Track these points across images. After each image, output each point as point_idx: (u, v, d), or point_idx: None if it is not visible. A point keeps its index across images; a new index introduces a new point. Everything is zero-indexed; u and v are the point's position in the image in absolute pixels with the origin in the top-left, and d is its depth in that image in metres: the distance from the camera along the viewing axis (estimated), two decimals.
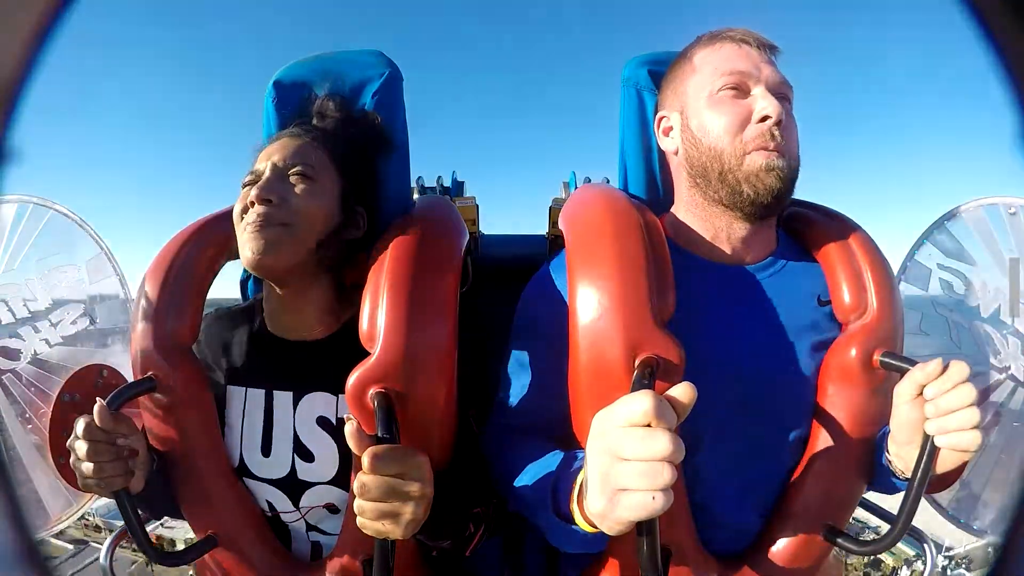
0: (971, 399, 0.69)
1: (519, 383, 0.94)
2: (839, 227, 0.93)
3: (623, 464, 0.58)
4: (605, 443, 0.60)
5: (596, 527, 0.67)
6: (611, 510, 0.59)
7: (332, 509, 0.95)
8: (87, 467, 0.81)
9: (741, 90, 0.86)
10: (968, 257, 1.18)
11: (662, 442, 0.55)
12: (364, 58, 1.15)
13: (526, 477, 0.83)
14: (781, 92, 0.86)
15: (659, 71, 1.05)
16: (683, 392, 0.59)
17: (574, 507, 0.71)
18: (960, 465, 0.75)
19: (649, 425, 0.57)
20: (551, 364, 0.86)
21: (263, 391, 0.97)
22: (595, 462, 0.61)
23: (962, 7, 0.43)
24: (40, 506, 1.18)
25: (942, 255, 1.20)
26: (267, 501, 0.97)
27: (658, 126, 0.98)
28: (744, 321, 0.88)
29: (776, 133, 0.83)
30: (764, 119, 0.84)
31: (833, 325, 0.89)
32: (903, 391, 0.76)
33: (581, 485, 0.70)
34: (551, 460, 0.82)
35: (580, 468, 0.72)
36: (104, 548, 1.12)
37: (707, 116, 0.88)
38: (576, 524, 0.72)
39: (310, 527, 0.97)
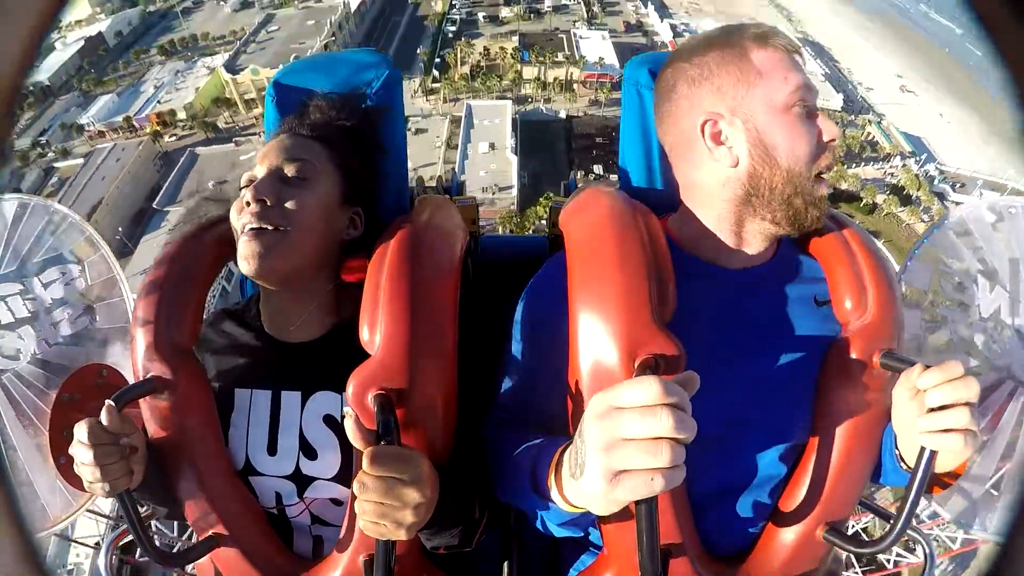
0: (964, 396, 0.69)
1: (517, 380, 0.94)
2: (838, 227, 0.93)
3: (624, 444, 0.57)
4: (606, 423, 0.59)
5: (575, 506, 0.68)
6: (611, 491, 0.58)
7: (335, 503, 0.96)
8: (94, 471, 0.80)
9: (808, 108, 0.84)
10: (968, 257, 1.18)
11: (664, 418, 0.55)
12: (364, 58, 1.15)
13: (510, 462, 0.84)
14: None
15: (659, 71, 1.04)
16: (686, 376, 0.60)
17: (551, 483, 0.71)
18: (961, 464, 0.76)
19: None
20: (550, 362, 0.86)
21: (269, 392, 0.97)
22: (594, 442, 0.60)
23: (962, 7, 0.43)
24: (40, 506, 1.17)
25: (942, 255, 1.20)
26: (276, 492, 0.97)
27: (703, 130, 0.86)
28: (746, 325, 0.88)
29: (835, 154, 0.85)
30: (832, 141, 0.84)
31: (834, 325, 0.89)
32: (900, 393, 0.76)
33: (559, 462, 0.71)
34: (533, 444, 0.82)
35: (559, 446, 0.72)
36: (103, 548, 1.13)
37: (784, 135, 0.83)
38: (554, 502, 0.72)
39: (314, 519, 0.97)
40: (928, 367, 0.73)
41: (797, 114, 0.83)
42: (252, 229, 0.88)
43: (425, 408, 0.83)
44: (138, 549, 0.93)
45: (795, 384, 0.87)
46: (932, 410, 0.70)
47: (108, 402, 0.82)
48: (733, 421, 0.85)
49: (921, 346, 1.19)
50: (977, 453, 1.10)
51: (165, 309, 0.93)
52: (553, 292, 0.87)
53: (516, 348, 0.94)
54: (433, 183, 1.55)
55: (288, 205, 0.90)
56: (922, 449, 0.72)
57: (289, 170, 0.93)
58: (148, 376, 0.91)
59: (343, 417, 0.92)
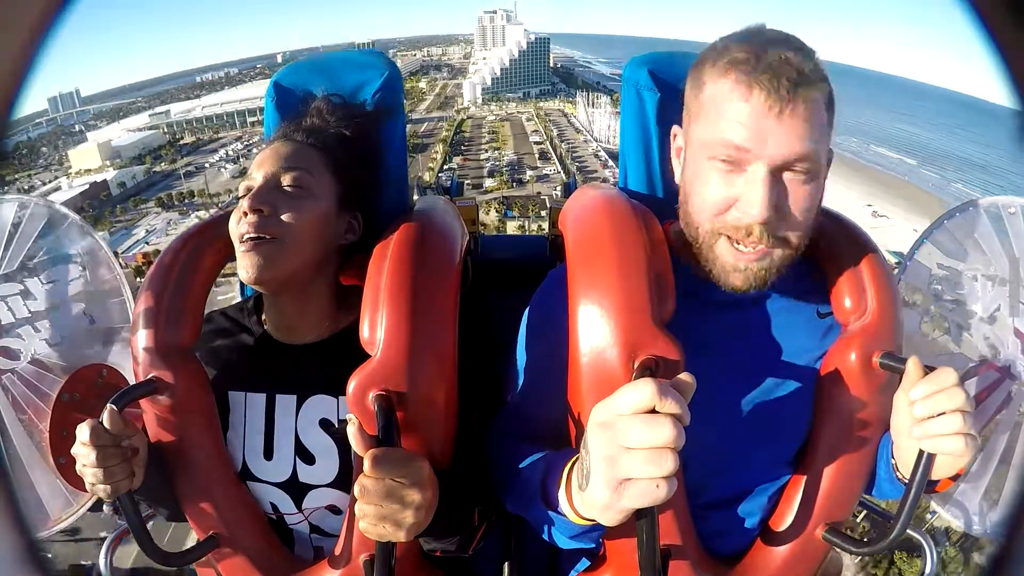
0: (955, 405, 0.69)
1: (523, 388, 0.94)
2: (838, 229, 0.93)
3: (628, 453, 0.58)
4: (608, 433, 0.60)
5: (586, 519, 0.68)
6: (616, 500, 0.59)
7: (334, 511, 0.96)
8: (96, 473, 0.80)
9: (736, 164, 0.75)
10: (968, 257, 1.17)
11: (666, 429, 0.56)
12: (364, 58, 1.15)
13: (520, 475, 0.84)
14: (791, 165, 0.73)
15: (659, 71, 1.04)
16: (682, 377, 0.61)
17: (561, 496, 0.72)
18: (959, 469, 0.76)
19: (653, 411, 0.57)
20: (555, 370, 0.86)
21: (263, 395, 0.97)
22: (598, 452, 0.61)
23: (962, 7, 0.43)
24: (40, 506, 1.17)
25: (942, 255, 1.19)
26: (271, 503, 0.97)
27: (673, 138, 0.88)
28: (747, 340, 0.88)
29: (758, 232, 0.74)
30: (746, 217, 0.75)
31: (834, 333, 0.89)
32: (901, 399, 0.76)
33: (568, 475, 0.71)
34: (543, 456, 0.82)
35: (568, 460, 0.72)
36: (104, 548, 1.12)
37: (696, 178, 0.79)
38: (564, 515, 0.72)
39: (313, 529, 0.97)
40: (927, 368, 0.73)
41: (714, 165, 0.76)
42: (250, 239, 0.88)
43: (425, 409, 0.83)
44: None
45: (796, 397, 0.87)
46: (924, 419, 0.71)
47: (110, 405, 0.82)
48: (735, 432, 0.86)
49: (920, 346, 1.19)
50: (977, 453, 1.10)
51: (165, 309, 0.93)
52: (557, 300, 0.87)
53: (522, 356, 0.94)
54: (433, 183, 1.55)
55: (284, 217, 0.90)
56: (921, 451, 0.72)
57: (286, 179, 0.92)
58: (149, 377, 0.91)
59: (341, 421, 0.92)
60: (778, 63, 0.72)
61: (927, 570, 1.20)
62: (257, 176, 0.93)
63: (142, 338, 0.92)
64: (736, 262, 0.78)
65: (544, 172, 71.29)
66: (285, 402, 0.96)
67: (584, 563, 0.99)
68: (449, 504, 0.79)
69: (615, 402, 0.60)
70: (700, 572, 0.85)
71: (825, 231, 0.93)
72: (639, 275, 0.78)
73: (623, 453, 0.58)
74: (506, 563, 1.10)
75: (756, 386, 0.87)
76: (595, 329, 0.78)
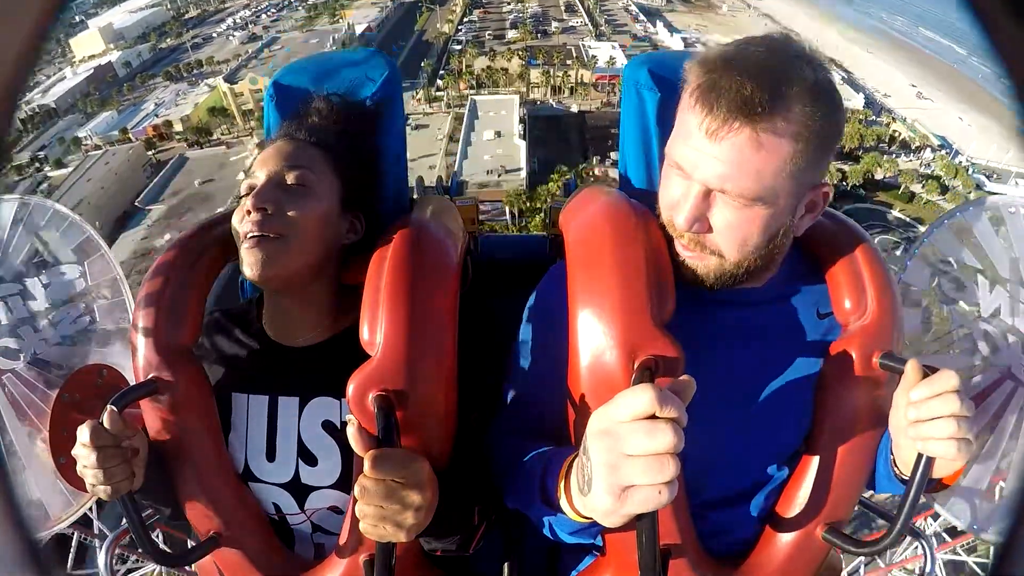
0: (951, 410, 0.69)
1: (522, 386, 0.94)
2: (838, 229, 0.93)
3: (629, 460, 0.58)
4: (609, 440, 0.60)
5: (585, 517, 0.68)
6: (619, 506, 0.60)
7: (337, 511, 0.96)
8: (97, 474, 0.80)
9: (685, 172, 0.77)
10: (968, 256, 1.18)
11: (667, 435, 0.56)
12: (364, 58, 1.15)
13: (519, 473, 0.84)
14: (723, 190, 0.74)
15: (659, 71, 1.05)
16: (681, 383, 0.61)
17: (561, 495, 0.72)
18: (959, 468, 0.76)
19: (652, 417, 0.57)
20: (556, 368, 0.86)
21: (266, 397, 0.97)
22: (599, 459, 0.61)
23: (962, 7, 0.43)
24: (40, 506, 1.17)
25: (942, 254, 1.19)
26: (274, 504, 0.97)
27: None
28: (746, 336, 0.88)
29: (688, 236, 0.79)
30: (669, 215, 0.81)
31: (834, 333, 0.89)
32: (899, 396, 0.76)
33: (566, 475, 0.71)
34: (541, 454, 0.83)
35: (566, 457, 0.73)
36: (104, 548, 1.13)
37: (664, 175, 0.84)
38: (563, 512, 0.73)
39: (315, 528, 0.97)
40: (928, 368, 0.73)
41: (670, 170, 0.81)
42: (254, 237, 0.88)
43: (425, 409, 0.83)
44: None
45: (797, 395, 0.87)
46: (919, 422, 0.71)
47: (110, 406, 0.82)
48: (735, 432, 0.86)
49: (920, 346, 1.19)
50: (976, 453, 1.10)
51: (166, 309, 0.93)
52: (557, 297, 0.87)
53: (523, 354, 0.94)
54: (433, 183, 1.55)
55: (289, 213, 0.90)
56: (920, 453, 0.72)
57: (289, 178, 0.93)
58: (149, 377, 0.91)
59: (343, 423, 0.93)
60: (727, 87, 0.70)
61: (927, 569, 1.21)
62: (260, 175, 0.93)
63: (142, 337, 0.92)
64: (681, 255, 0.82)
65: (570, 24, 67.46)
66: (288, 404, 0.96)
67: (585, 562, 0.99)
68: (449, 504, 0.79)
69: (614, 409, 0.60)
70: (700, 572, 0.85)
71: (825, 231, 0.93)
72: (639, 276, 0.78)
73: (624, 461, 0.58)
74: (506, 563, 1.10)
75: (756, 386, 0.87)
76: (595, 330, 0.78)
